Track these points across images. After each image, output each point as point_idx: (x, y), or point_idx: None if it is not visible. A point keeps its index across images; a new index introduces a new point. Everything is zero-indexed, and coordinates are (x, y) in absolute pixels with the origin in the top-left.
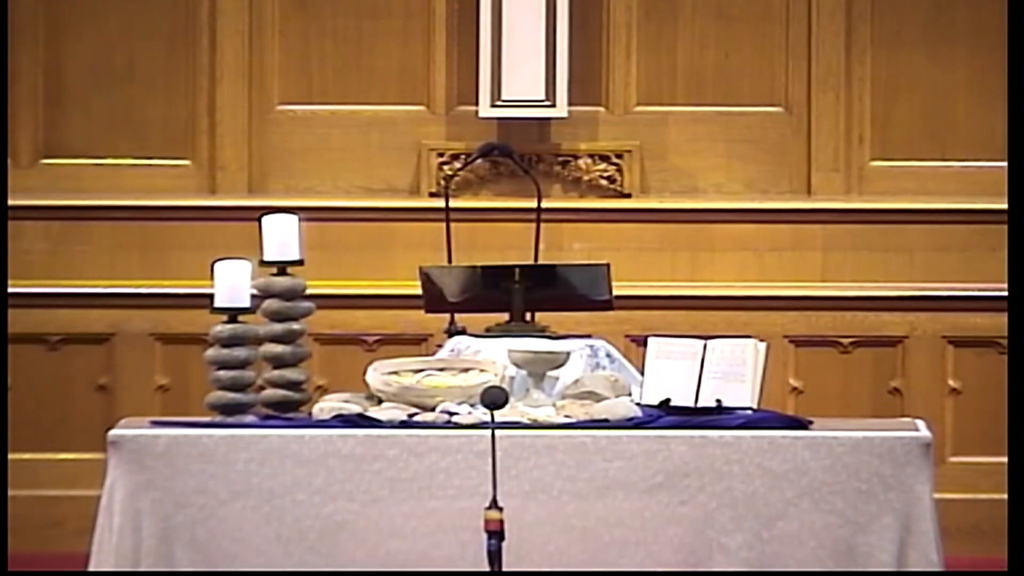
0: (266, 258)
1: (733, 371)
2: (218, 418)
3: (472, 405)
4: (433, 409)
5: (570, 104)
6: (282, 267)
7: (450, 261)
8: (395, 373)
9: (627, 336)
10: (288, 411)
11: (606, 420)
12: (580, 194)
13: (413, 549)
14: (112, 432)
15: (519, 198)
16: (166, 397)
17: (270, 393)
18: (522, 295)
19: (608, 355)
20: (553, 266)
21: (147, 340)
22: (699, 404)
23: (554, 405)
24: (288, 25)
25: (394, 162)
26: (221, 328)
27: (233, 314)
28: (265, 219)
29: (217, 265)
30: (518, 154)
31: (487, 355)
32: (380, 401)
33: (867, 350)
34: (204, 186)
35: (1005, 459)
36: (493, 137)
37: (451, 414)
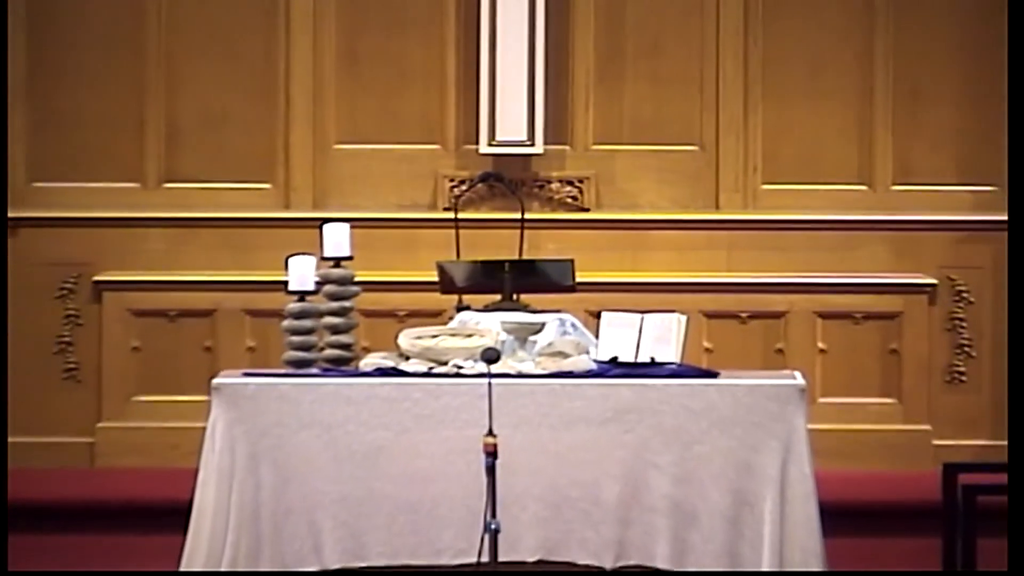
0: (326, 255)
1: (663, 336)
2: (291, 370)
3: (475, 360)
4: (447, 363)
5: (545, 143)
6: (337, 261)
7: (458, 257)
8: (419, 337)
9: (586, 311)
10: (341, 365)
11: (571, 372)
12: (552, 209)
13: (432, 467)
14: (214, 380)
15: (508, 212)
16: (253, 356)
17: (328, 352)
18: (510, 282)
19: (573, 325)
20: (533, 261)
21: (239, 314)
22: (638, 360)
23: (534, 361)
24: (341, 85)
25: (418, 186)
26: (293, 306)
27: (302, 295)
28: (325, 227)
29: (290, 260)
30: (508, 180)
31: (486, 325)
32: (408, 358)
33: (759, 321)
34: (280, 203)
35: (860, 399)
36: (489, 167)
37: (460, 367)
